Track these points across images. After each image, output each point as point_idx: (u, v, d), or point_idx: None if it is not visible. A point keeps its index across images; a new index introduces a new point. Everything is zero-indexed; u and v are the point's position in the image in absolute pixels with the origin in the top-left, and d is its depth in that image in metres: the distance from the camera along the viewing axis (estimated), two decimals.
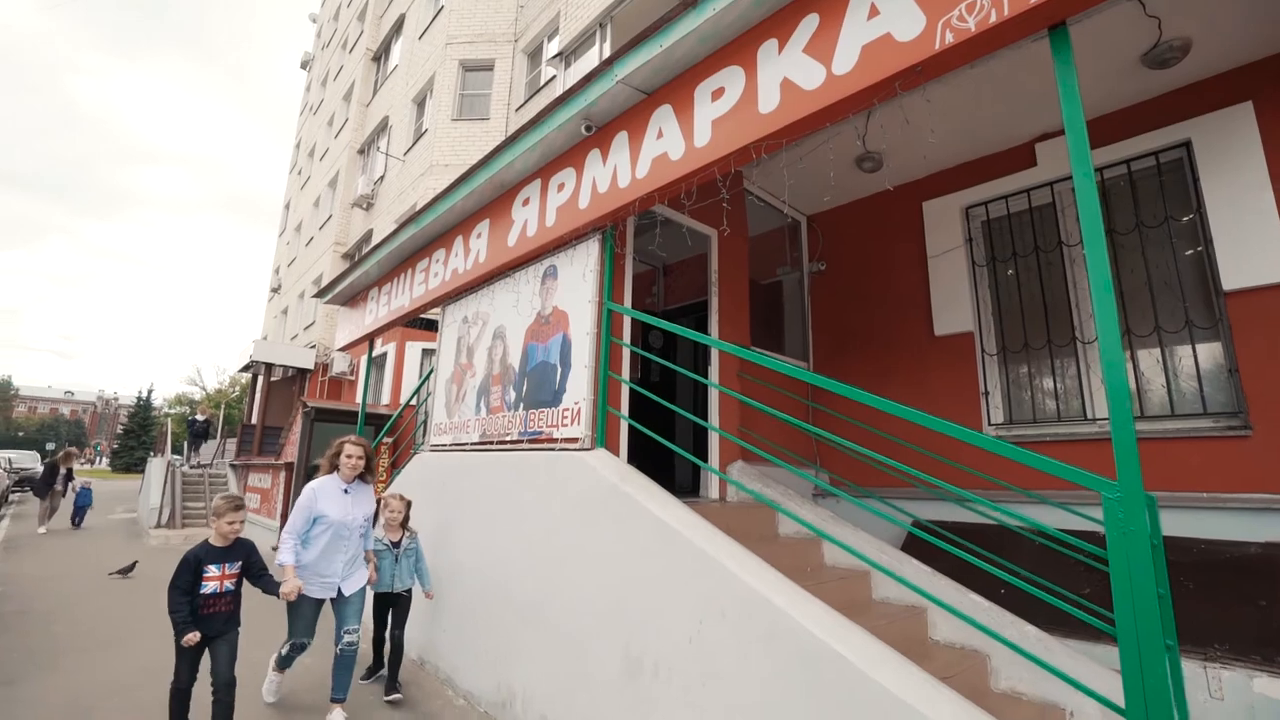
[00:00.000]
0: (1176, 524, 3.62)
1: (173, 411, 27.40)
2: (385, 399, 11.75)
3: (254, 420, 16.28)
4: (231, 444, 17.02)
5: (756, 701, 2.35)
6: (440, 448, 5.04)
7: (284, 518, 9.92)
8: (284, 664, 3.79)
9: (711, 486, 4.24)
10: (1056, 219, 4.60)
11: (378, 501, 4.25)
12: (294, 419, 11.65)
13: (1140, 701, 1.70)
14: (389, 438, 8.29)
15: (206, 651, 3.10)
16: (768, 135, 2.68)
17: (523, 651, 3.55)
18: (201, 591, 3.03)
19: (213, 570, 3.07)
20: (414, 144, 13.98)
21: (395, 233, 5.78)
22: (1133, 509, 1.76)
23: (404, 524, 4.20)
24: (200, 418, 12.81)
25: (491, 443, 4.32)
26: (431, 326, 8.20)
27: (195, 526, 11.97)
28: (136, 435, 38.04)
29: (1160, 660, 1.69)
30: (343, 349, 8.13)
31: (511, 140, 4.06)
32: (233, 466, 14.43)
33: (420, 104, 14.45)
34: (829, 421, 4.63)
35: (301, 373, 16.70)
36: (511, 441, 4.13)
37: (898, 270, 5.29)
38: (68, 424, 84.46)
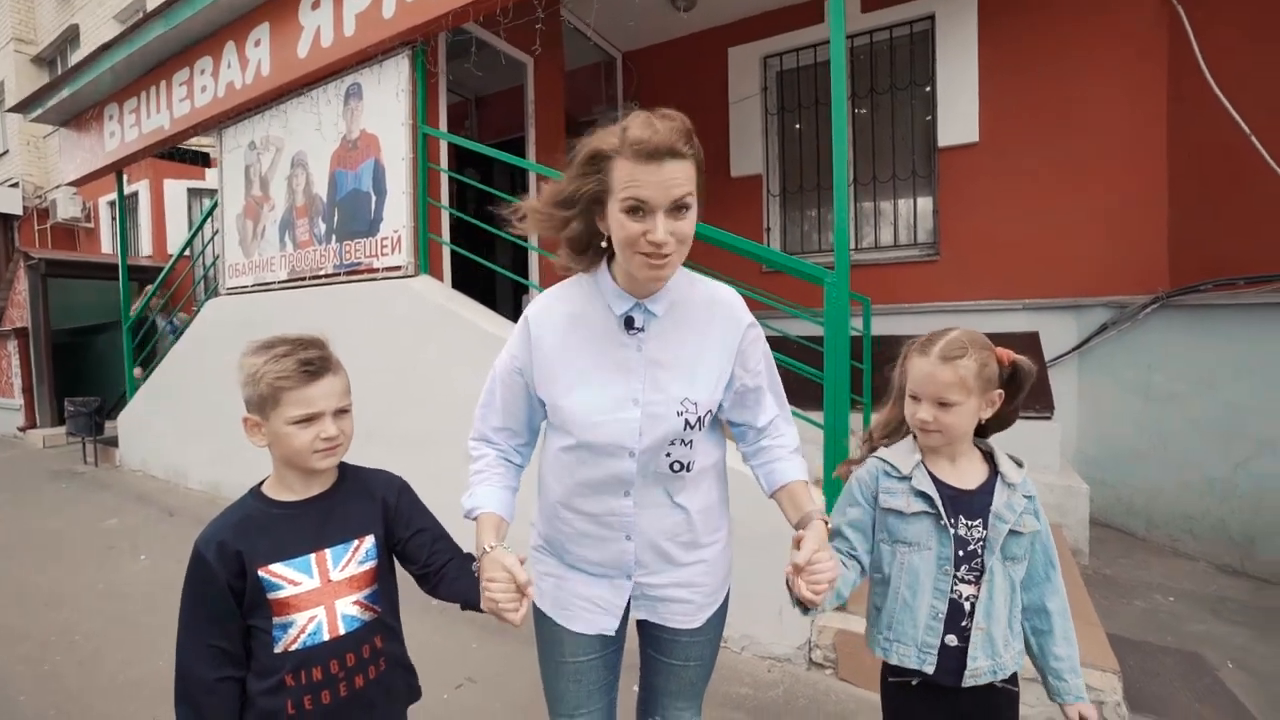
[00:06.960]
0: (886, 326, 4.84)
1: None
2: (146, 249, 9.89)
3: None
4: None
5: None
6: (240, 289, 4.66)
7: (27, 392, 8.38)
8: None
9: None
10: None
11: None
12: (13, 275, 9.40)
13: (831, 416, 2.52)
14: (159, 298, 7.21)
15: None
16: None
17: (373, 460, 3.79)
18: (275, 648, 1.01)
19: (290, 577, 1.03)
20: None
21: (137, 29, 4.67)
22: (840, 288, 2.47)
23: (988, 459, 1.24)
24: None
25: (304, 278, 4.13)
26: (194, 159, 6.95)
27: None
28: None
29: (845, 387, 2.50)
30: (75, 183, 6.62)
31: None
32: None
33: None
34: None
35: (4, 219, 13.08)
36: (327, 275, 4.00)
37: (704, 113, 5.66)
38: None
